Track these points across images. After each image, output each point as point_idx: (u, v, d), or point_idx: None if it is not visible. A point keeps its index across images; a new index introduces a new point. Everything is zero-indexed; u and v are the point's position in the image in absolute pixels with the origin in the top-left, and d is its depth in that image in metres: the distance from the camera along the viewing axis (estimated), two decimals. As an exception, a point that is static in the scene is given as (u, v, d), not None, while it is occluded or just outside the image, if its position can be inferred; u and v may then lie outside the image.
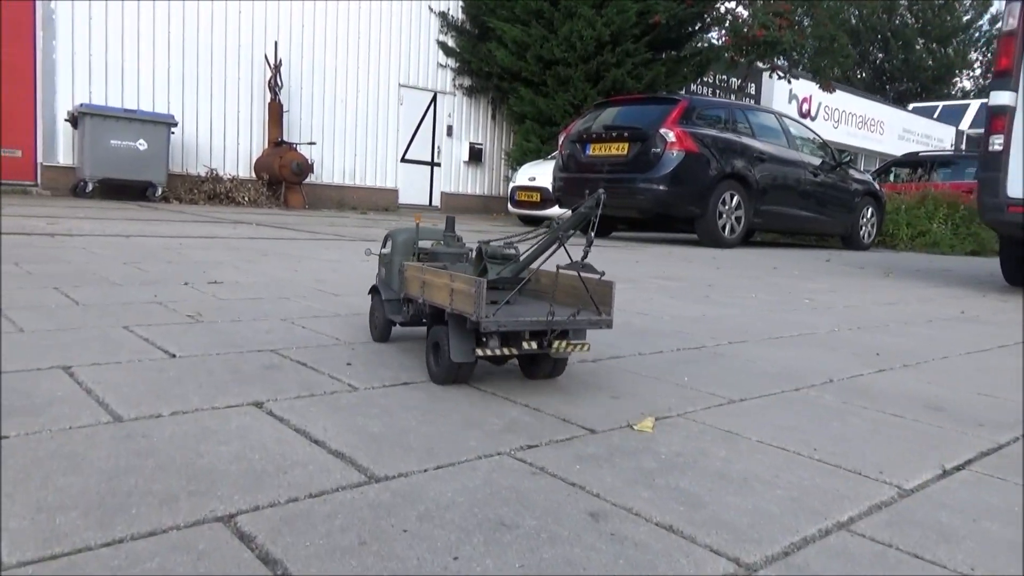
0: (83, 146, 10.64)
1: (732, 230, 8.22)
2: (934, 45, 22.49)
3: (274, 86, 12.53)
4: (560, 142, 8.97)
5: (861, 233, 9.84)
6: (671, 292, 3.83)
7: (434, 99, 14.60)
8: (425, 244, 1.89)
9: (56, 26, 11.05)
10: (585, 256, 1.46)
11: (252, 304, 2.59)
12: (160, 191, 11.05)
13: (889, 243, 11.16)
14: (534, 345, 1.51)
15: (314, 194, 12.95)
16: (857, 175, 9.74)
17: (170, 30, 11.83)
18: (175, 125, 11.23)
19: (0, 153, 11.08)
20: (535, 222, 11.91)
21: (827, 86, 13.64)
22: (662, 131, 7.82)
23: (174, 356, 1.84)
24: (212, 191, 11.75)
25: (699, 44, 13.94)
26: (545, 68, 13.42)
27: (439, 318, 1.62)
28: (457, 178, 15.16)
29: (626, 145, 8.05)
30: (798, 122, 9.52)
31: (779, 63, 13.64)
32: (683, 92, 13.20)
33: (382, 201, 14.08)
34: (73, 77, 11.23)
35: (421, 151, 14.64)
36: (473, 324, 1.44)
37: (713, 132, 8.09)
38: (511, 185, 11.72)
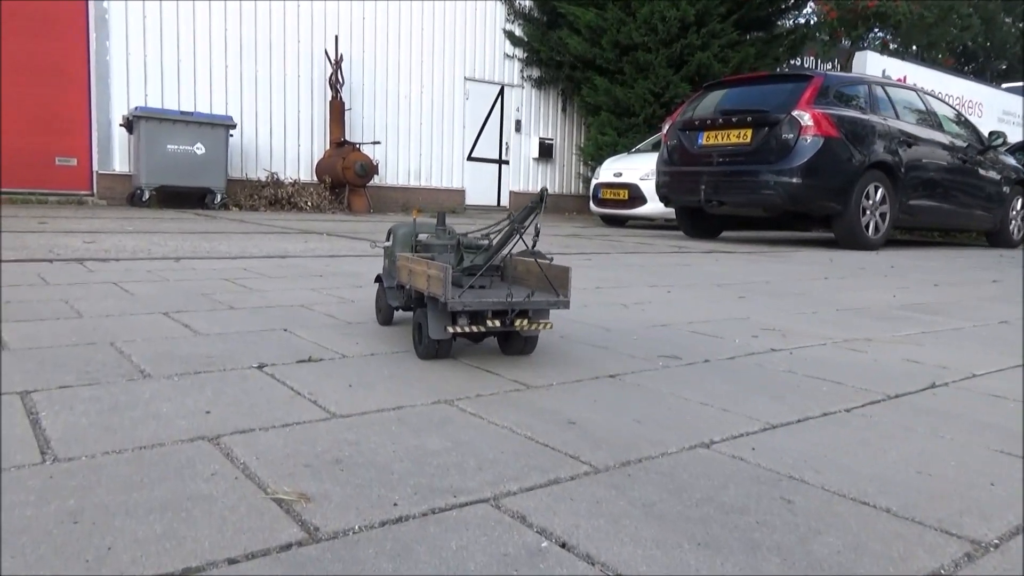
0: (139, 152, 9.67)
1: (876, 229, 6.81)
2: (1021, 24, 20.40)
3: (335, 83, 11.43)
4: (664, 131, 7.64)
5: (1011, 228, 8.31)
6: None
7: (501, 92, 13.36)
8: (423, 237, 1.96)
9: (109, 26, 10.09)
10: (534, 243, 1.67)
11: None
12: (219, 198, 10.03)
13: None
14: (497, 323, 1.62)
15: (377, 197, 11.84)
16: (1007, 160, 8.19)
17: (226, 27, 10.80)
18: (233, 127, 10.19)
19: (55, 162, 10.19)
20: (619, 222, 10.60)
21: (947, 62, 12.03)
22: (795, 113, 6.45)
23: None
24: (273, 196, 10.69)
25: (792, 22, 12.45)
26: (622, 54, 12.08)
27: (421, 301, 1.74)
28: (526, 176, 13.90)
29: (749, 131, 6.70)
30: (939, 99, 8.01)
31: (889, 38, 12.05)
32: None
33: (448, 202, 12.90)
34: (128, 79, 10.27)
35: (488, 148, 13.42)
36: (443, 305, 1.56)
37: (854, 113, 6.69)
38: (594, 182, 10.41)
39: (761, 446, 1.23)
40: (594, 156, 12.78)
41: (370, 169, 10.97)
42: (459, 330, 1.63)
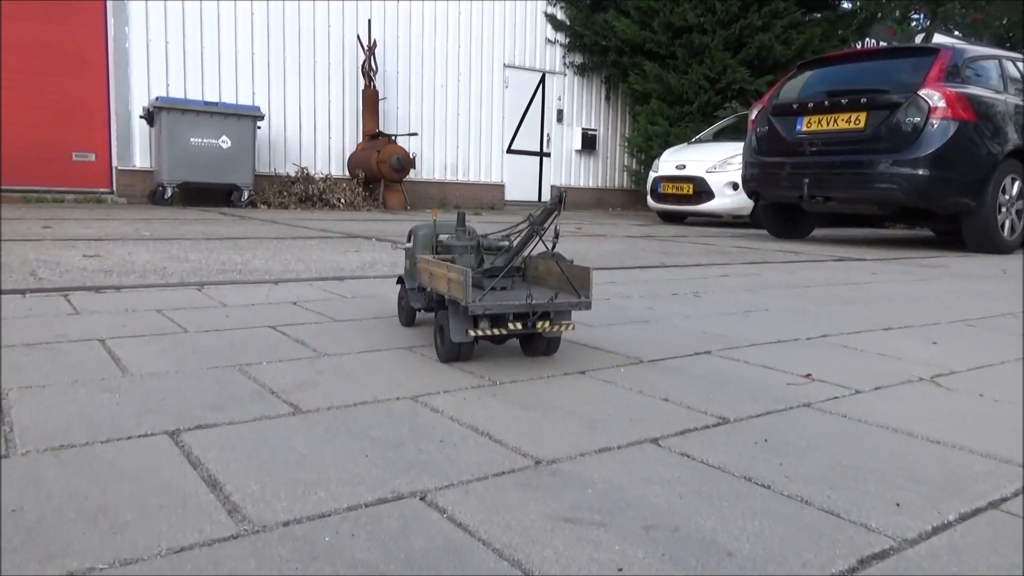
0: (160, 146, 8.68)
1: (1012, 229, 5.69)
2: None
3: (368, 71, 10.38)
4: (752, 117, 6.53)
5: None
6: None
7: (542, 80, 12.27)
8: (443, 237, 1.89)
9: (128, 12, 9.10)
10: (554, 246, 1.70)
11: None
12: (247, 195, 9.04)
13: None
14: (519, 326, 1.60)
15: (413, 192, 10.81)
16: None
17: (252, 11, 9.78)
18: (261, 119, 9.18)
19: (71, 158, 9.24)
20: (679, 219, 9.50)
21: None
22: (923, 93, 5.33)
23: None
24: (304, 193, 9.68)
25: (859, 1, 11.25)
26: (674, 37, 10.96)
27: (442, 304, 1.70)
28: (568, 169, 12.81)
29: (863, 115, 5.58)
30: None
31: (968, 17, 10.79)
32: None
33: (487, 197, 11.85)
34: (148, 68, 9.29)
35: (529, 140, 12.34)
36: (463, 308, 1.53)
37: (989, 93, 5.56)
38: (652, 176, 9.31)
39: None
40: (642, 147, 11.68)
41: (406, 163, 9.94)
42: (480, 333, 1.60)
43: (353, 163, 10.35)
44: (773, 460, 1.09)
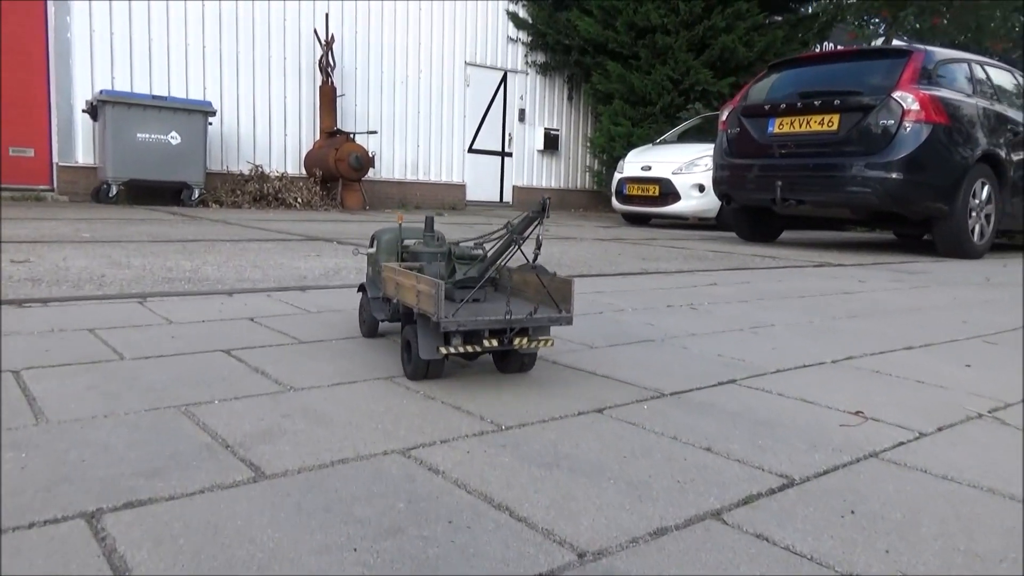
0: (104, 141, 8.19)
1: (981, 234, 5.63)
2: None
3: (326, 66, 10.00)
4: (723, 118, 6.37)
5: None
6: None
7: (504, 79, 12.01)
8: (410, 243, 1.79)
9: (71, 1, 8.57)
10: (536, 257, 1.49)
11: None
12: (197, 193, 8.59)
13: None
14: (494, 343, 1.45)
15: (372, 192, 10.46)
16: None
17: (203, 2, 9.32)
18: (213, 114, 8.74)
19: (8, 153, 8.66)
20: (642, 220, 9.34)
21: (995, 46, 10.90)
22: (897, 95, 5.23)
23: None
24: (258, 192, 9.24)
25: (826, 1, 11.21)
26: (638, 37, 10.81)
27: (410, 317, 1.56)
28: (531, 170, 12.58)
29: (836, 117, 5.46)
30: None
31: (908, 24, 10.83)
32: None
33: (448, 198, 11.55)
34: (92, 60, 8.76)
35: (490, 140, 12.07)
36: (434, 324, 1.40)
37: (960, 96, 5.49)
38: (617, 177, 9.13)
39: None
40: (604, 148, 11.52)
41: (366, 162, 9.58)
42: (452, 351, 1.44)
43: (310, 161, 9.95)
44: (874, 544, 0.86)
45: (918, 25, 11.30)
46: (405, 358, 1.55)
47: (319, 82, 10.06)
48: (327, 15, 10.04)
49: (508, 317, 1.41)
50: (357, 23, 10.49)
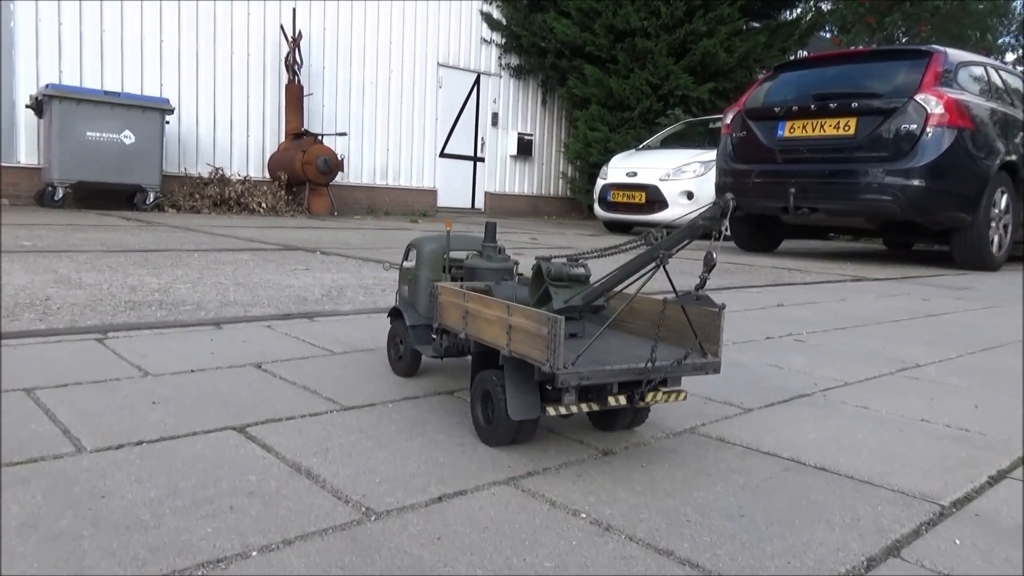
0: (50, 140, 7.39)
1: (1000, 245, 5.31)
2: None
3: (292, 64, 9.32)
4: (727, 121, 5.95)
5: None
6: None
7: (477, 82, 11.47)
8: (458, 256, 1.42)
9: (13, -13, 7.76)
10: (703, 284, 1.03)
11: None
12: (152, 197, 7.84)
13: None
14: (622, 400, 1.07)
15: (340, 197, 9.78)
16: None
17: (160, -8, 8.57)
18: (170, 112, 8.00)
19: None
20: (624, 228, 8.90)
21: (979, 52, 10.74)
22: (920, 98, 4.86)
23: None
24: (219, 196, 8.52)
25: (802, 5, 10.92)
26: (616, 41, 10.37)
27: (490, 360, 1.16)
28: (503, 175, 12.05)
29: (853, 121, 5.07)
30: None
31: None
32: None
33: (419, 203, 10.95)
34: (37, 51, 7.94)
35: (462, 144, 11.51)
36: (544, 375, 1.00)
37: (983, 101, 5.16)
38: (601, 183, 8.66)
39: None
40: (580, 154, 11.07)
41: (335, 165, 8.94)
42: (562, 412, 1.05)
43: (275, 164, 9.25)
44: None
45: (903, 30, 11.17)
46: (480, 414, 1.16)
47: (285, 81, 9.38)
48: (294, 10, 9.37)
49: (651, 365, 1.02)
50: (326, 20, 9.85)
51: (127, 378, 1.37)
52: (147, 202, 7.81)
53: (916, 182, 4.85)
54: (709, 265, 0.97)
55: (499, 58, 11.55)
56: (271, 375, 1.44)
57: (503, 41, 11.44)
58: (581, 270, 1.20)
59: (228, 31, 9.09)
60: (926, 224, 5.15)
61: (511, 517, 0.85)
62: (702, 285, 1.03)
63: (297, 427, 1.14)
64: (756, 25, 11.09)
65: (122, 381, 1.34)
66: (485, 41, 11.39)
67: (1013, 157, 5.22)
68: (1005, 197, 5.26)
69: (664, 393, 1.12)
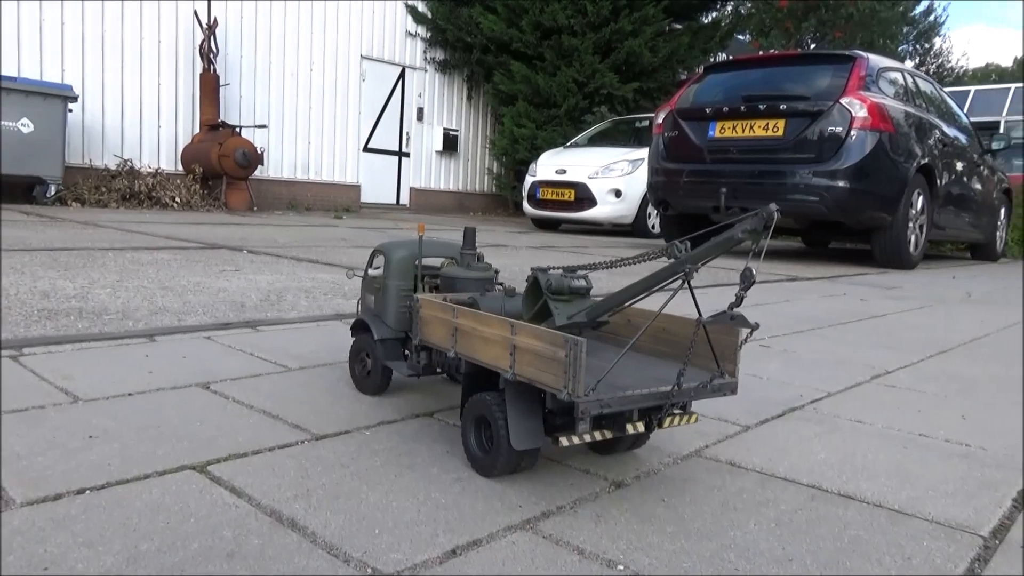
0: (-65, 127, 6.77)
1: (916, 244, 5.53)
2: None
3: (207, 52, 8.86)
4: (659, 120, 5.97)
5: (997, 240, 7.40)
6: None
7: (402, 75, 11.22)
8: (431, 263, 1.31)
9: None
10: (740, 302, 0.92)
11: None
12: (54, 190, 7.29)
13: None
14: (640, 426, 0.97)
15: (259, 191, 9.39)
16: (995, 165, 7.21)
17: (61, -30, 7.98)
18: (73, 99, 7.45)
19: None
20: (552, 226, 8.88)
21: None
22: (845, 101, 4.99)
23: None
24: (128, 189, 8.01)
25: (732, 8, 11.13)
26: (543, 38, 10.35)
27: (483, 381, 1.04)
28: (429, 171, 11.84)
29: (781, 122, 5.17)
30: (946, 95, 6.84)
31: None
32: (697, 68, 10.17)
33: (342, 199, 10.63)
34: (-82, 31, 7.26)
35: (387, 139, 11.24)
36: (560, 403, 0.90)
37: (902, 105, 5.35)
38: (529, 180, 8.60)
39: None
40: (507, 150, 10.99)
41: (254, 158, 8.55)
42: (575, 441, 0.93)
43: (188, 156, 8.77)
44: None
45: (818, 36, 11.58)
46: (475, 444, 1.04)
47: (199, 69, 8.90)
48: (209, -5, 8.90)
49: (676, 388, 0.93)
50: (243, 7, 9.40)
51: (53, 405, 1.18)
52: (47, 195, 7.26)
53: (841, 183, 4.98)
54: (748, 282, 0.87)
55: (424, 52, 11.33)
56: (223, 397, 1.28)
57: (428, 35, 11.24)
58: (582, 282, 1.10)
59: (137, 15, 8.55)
60: (850, 224, 5.31)
61: (541, 573, 0.74)
62: (738, 303, 0.93)
63: (267, 463, 0.99)
64: (679, 27, 11.27)
65: (48, 409, 1.16)
66: (410, 34, 11.16)
67: (928, 160, 5.44)
68: (921, 199, 5.48)
69: (680, 417, 1.04)
